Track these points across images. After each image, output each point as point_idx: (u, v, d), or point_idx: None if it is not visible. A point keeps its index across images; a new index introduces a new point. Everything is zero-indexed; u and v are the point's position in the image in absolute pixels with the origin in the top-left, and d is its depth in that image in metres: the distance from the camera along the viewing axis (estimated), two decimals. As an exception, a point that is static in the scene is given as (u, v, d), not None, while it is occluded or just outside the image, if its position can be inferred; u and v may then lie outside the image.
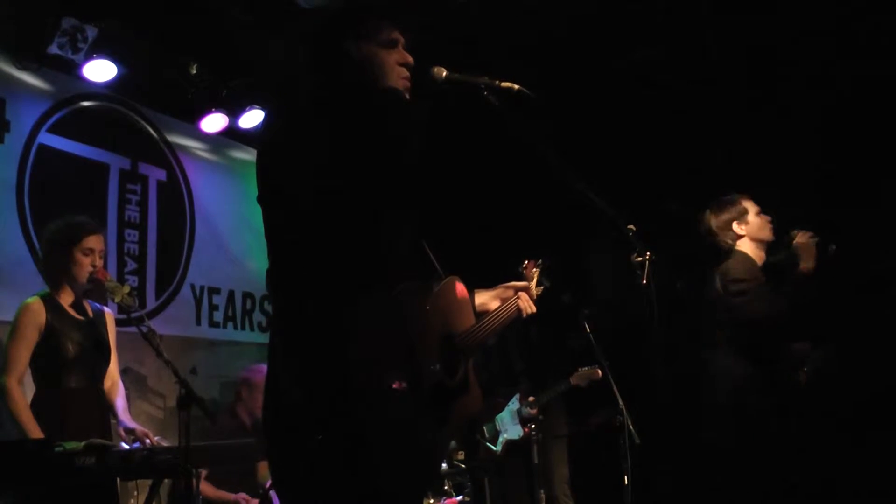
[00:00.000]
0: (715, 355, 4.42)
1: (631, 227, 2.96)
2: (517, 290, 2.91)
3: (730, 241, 4.47)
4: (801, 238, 4.27)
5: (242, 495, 5.25)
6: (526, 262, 3.12)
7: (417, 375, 2.22)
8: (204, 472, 5.19)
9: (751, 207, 4.49)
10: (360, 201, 2.22)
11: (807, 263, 4.20)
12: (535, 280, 3.05)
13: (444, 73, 2.68)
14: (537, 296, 3.01)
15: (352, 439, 2.08)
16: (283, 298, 2.28)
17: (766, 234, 4.46)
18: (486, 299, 2.85)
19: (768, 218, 4.50)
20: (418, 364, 2.23)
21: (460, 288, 2.62)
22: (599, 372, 5.87)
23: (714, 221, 4.53)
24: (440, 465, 2.38)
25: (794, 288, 4.19)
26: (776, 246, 4.45)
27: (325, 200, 2.20)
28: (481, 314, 2.79)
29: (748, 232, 4.45)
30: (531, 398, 6.11)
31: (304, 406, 2.12)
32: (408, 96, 2.48)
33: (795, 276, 4.20)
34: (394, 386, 2.11)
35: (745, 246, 4.45)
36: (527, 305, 2.89)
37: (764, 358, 4.21)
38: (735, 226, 4.46)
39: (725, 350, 4.34)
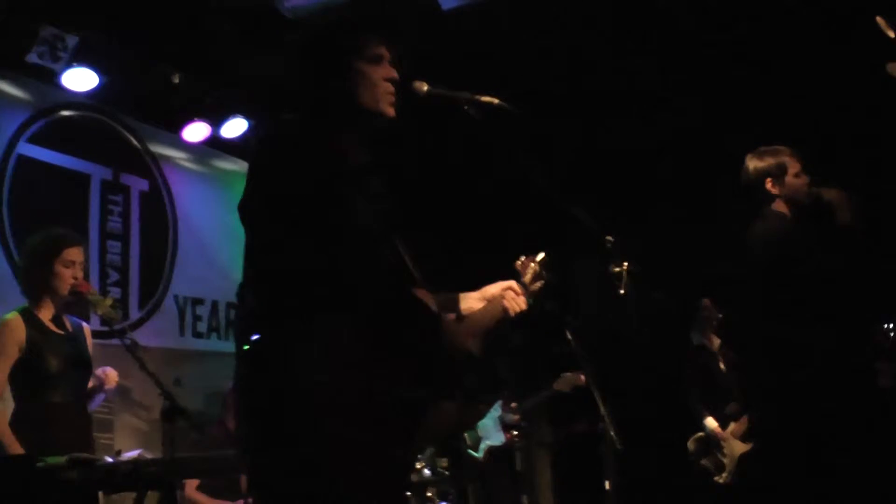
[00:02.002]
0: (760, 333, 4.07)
1: (609, 238, 2.98)
2: (504, 288, 2.80)
3: (760, 196, 4.07)
4: (830, 193, 3.96)
5: (242, 502, 5.23)
6: (522, 258, 3.00)
7: (382, 390, 2.20)
8: (196, 482, 5.18)
9: (792, 166, 4.06)
10: (336, 216, 2.22)
11: (844, 216, 3.87)
12: (529, 275, 2.92)
13: (426, 88, 2.69)
14: (536, 291, 2.90)
15: (318, 456, 2.10)
16: (253, 312, 2.30)
17: (803, 199, 4.04)
18: (473, 302, 2.77)
19: (807, 180, 4.06)
20: (384, 379, 2.22)
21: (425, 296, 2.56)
22: (583, 377, 5.88)
23: (752, 168, 4.11)
24: (408, 478, 2.36)
25: (843, 242, 3.83)
26: (809, 210, 4.03)
27: (295, 215, 2.22)
28: (467, 317, 2.75)
29: (782, 193, 4.05)
30: (514, 405, 6.14)
31: (272, 422, 2.14)
32: (393, 111, 2.51)
33: (840, 230, 3.85)
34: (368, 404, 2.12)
35: (780, 208, 4.07)
36: (513, 304, 2.77)
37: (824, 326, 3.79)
38: (769, 184, 4.06)
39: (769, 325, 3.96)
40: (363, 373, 2.18)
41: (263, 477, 2.20)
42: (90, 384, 4.23)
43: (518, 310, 2.78)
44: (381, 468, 2.20)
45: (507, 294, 2.77)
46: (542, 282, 2.94)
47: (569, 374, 6.05)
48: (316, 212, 2.20)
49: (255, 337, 2.22)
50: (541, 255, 2.99)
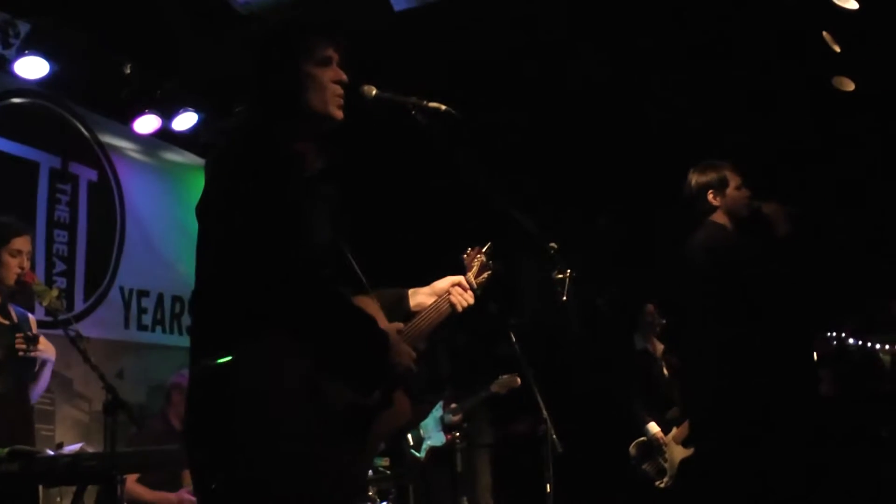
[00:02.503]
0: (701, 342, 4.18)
1: (552, 244, 3.03)
2: (452, 283, 2.85)
3: (700, 209, 4.23)
4: (769, 207, 4.13)
5: (184, 491, 5.20)
6: (469, 250, 3.02)
7: (324, 401, 2.21)
8: (135, 475, 5.14)
9: (732, 179, 4.22)
10: (288, 223, 2.22)
11: (782, 229, 4.05)
12: (475, 269, 2.96)
13: (374, 92, 2.71)
14: (483, 282, 2.94)
15: (274, 471, 2.09)
16: (207, 322, 2.30)
17: (742, 211, 4.22)
18: (423, 297, 2.83)
19: (747, 193, 4.24)
20: (323, 390, 2.22)
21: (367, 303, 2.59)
22: (518, 380, 5.95)
23: (695, 181, 4.27)
24: (360, 484, 2.36)
25: (780, 251, 4.00)
26: (748, 222, 4.20)
27: (250, 219, 2.21)
28: (416, 314, 2.78)
29: (723, 205, 4.22)
30: (454, 405, 6.19)
31: (216, 437, 2.14)
32: (341, 114, 2.51)
33: (777, 243, 4.02)
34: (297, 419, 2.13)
35: (719, 220, 4.22)
36: (460, 299, 2.82)
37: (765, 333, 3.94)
38: (710, 196, 4.21)
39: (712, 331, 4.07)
40: (314, 384, 2.18)
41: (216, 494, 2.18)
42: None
43: (465, 304, 2.84)
44: (335, 478, 2.21)
45: (454, 290, 2.84)
46: (489, 272, 3.00)
47: (505, 377, 6.11)
48: (269, 217, 2.19)
49: (218, 356, 2.18)
50: (486, 246, 3.04)
